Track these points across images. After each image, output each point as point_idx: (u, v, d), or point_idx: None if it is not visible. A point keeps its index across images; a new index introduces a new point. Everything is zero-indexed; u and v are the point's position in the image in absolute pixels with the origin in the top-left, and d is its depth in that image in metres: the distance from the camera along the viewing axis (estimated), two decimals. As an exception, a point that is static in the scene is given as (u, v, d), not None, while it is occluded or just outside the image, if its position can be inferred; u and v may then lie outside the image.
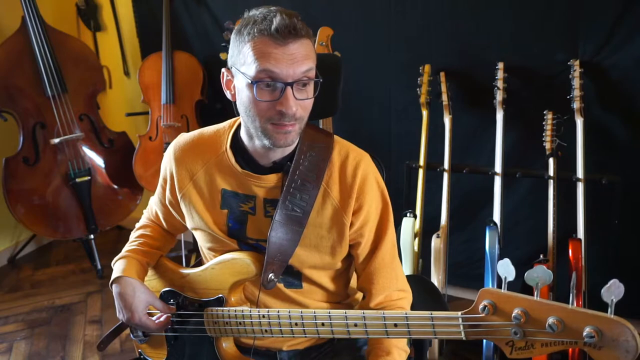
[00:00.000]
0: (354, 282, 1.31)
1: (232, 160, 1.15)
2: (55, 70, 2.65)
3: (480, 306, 0.85)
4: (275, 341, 1.24)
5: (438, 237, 2.05)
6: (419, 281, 1.63)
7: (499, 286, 0.85)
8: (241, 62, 1.01)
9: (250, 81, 1.00)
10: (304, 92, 1.03)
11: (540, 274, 0.80)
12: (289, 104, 0.99)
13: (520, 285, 0.88)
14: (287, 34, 0.97)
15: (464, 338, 0.90)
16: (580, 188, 1.93)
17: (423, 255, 2.15)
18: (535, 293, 0.81)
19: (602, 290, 0.76)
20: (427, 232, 2.11)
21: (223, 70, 1.10)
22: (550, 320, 0.79)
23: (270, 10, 1.00)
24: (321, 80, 1.04)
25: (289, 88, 0.99)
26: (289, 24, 0.97)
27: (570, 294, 0.80)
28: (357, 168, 1.13)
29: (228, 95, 1.11)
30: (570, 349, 1.81)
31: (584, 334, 0.76)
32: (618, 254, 2.09)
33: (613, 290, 0.75)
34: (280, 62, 0.97)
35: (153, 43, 2.78)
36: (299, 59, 0.98)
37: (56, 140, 2.69)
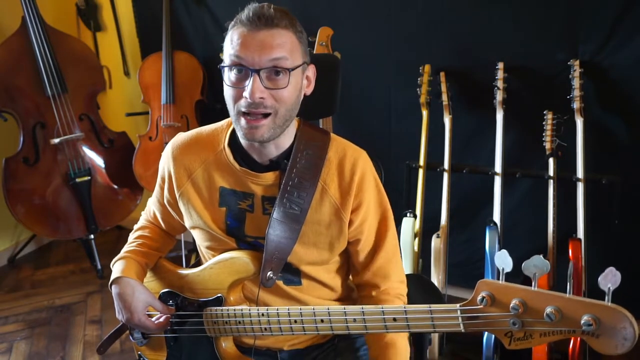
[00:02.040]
0: (350, 281, 1.32)
1: (230, 157, 1.15)
2: (55, 70, 2.65)
3: (479, 298, 0.85)
4: (276, 341, 1.24)
5: (438, 237, 2.05)
6: (419, 281, 1.64)
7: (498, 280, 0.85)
8: (223, 53, 1.05)
9: (222, 66, 1.03)
10: (276, 82, 1.02)
11: (537, 264, 0.81)
12: (253, 90, 0.99)
13: (520, 283, 0.88)
14: (257, 21, 0.98)
15: (462, 330, 0.90)
16: (580, 188, 1.93)
17: (423, 255, 2.15)
18: (533, 283, 0.81)
19: (599, 278, 0.76)
20: (427, 232, 2.11)
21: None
22: (548, 309, 0.79)
23: (257, 3, 1.02)
24: (291, 70, 1.02)
25: (255, 75, 0.99)
26: (261, 12, 0.99)
27: (568, 283, 0.81)
28: (355, 165, 1.13)
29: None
30: (570, 350, 1.81)
31: (582, 322, 0.76)
32: (618, 254, 2.09)
33: (610, 279, 0.75)
34: (247, 48, 0.99)
35: (153, 43, 2.78)
36: (268, 46, 0.99)
37: (56, 140, 2.69)
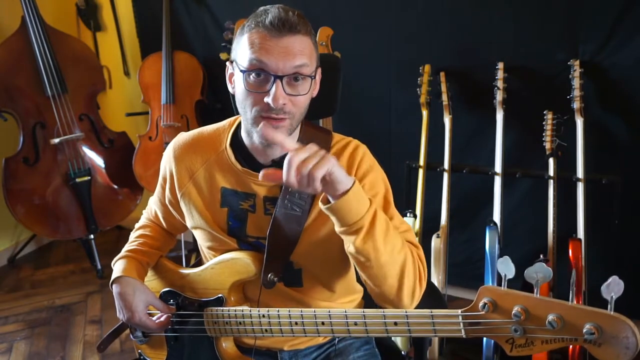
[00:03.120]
0: (351, 282, 1.31)
1: (232, 158, 1.15)
2: (55, 70, 2.65)
3: (480, 304, 0.85)
4: (276, 341, 1.24)
5: (438, 237, 2.05)
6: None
7: (499, 284, 0.85)
8: (238, 54, 1.03)
9: (241, 70, 1.01)
10: (296, 88, 1.02)
11: (539, 271, 0.80)
12: (276, 97, 0.99)
13: (520, 285, 0.88)
14: (281, 27, 0.97)
15: (464, 336, 0.89)
16: (580, 188, 1.93)
17: (423, 255, 2.15)
18: (535, 290, 0.81)
19: (602, 287, 0.75)
20: (427, 232, 2.11)
21: (227, 63, 1.11)
22: (550, 317, 0.79)
23: (275, 6, 1.01)
24: (314, 77, 1.03)
25: (278, 81, 0.99)
26: (285, 18, 0.98)
27: (570, 291, 0.80)
28: (354, 158, 1.13)
29: (230, 89, 1.11)
30: (570, 349, 1.81)
31: (584, 330, 0.76)
32: (618, 254, 2.09)
33: (612, 287, 0.75)
34: (271, 54, 0.98)
35: (153, 43, 2.78)
36: (292, 53, 0.98)
37: (56, 140, 2.69)
